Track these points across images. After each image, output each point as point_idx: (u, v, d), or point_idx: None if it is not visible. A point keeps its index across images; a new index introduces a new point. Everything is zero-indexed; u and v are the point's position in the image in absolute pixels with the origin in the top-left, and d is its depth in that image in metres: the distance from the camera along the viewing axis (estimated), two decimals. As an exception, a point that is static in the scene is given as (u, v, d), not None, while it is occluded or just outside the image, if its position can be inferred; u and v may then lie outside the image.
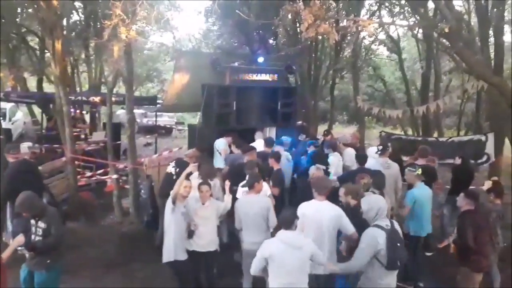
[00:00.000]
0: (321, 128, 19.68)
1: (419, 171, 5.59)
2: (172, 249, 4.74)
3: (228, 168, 6.90)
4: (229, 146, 7.93)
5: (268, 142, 7.48)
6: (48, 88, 17.16)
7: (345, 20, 5.90)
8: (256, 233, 4.80)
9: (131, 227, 7.82)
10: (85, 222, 7.92)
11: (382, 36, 18.36)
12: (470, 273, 4.63)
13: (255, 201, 4.92)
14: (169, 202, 4.76)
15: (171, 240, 4.75)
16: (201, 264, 5.15)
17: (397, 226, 3.89)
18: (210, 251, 5.06)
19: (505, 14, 10.98)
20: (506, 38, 15.38)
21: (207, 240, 5.02)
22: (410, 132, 17.30)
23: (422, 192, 5.55)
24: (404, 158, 8.12)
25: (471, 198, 4.74)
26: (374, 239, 3.69)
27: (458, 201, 4.89)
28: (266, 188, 5.52)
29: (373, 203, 3.88)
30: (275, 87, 10.13)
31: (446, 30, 4.85)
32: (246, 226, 4.89)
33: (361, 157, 6.31)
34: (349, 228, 4.28)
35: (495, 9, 8.71)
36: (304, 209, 4.38)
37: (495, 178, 5.80)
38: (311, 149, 7.77)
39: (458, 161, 6.87)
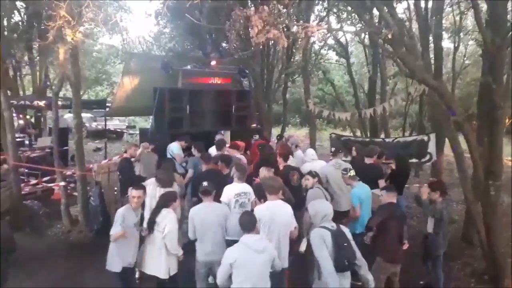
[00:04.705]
0: (275, 131, 19.98)
1: (351, 173, 5.93)
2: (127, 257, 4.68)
3: (193, 173, 6.76)
4: (186, 149, 7.83)
5: (219, 145, 7.47)
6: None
7: (295, 26, 6.03)
8: (212, 243, 4.65)
9: (80, 236, 7.56)
10: (30, 232, 7.55)
11: (331, 41, 18.90)
12: (383, 263, 4.84)
13: (212, 209, 4.77)
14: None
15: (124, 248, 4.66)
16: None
17: (344, 228, 4.00)
18: None
19: (443, 21, 11.67)
20: (445, 44, 16.41)
21: None
22: (358, 133, 17.93)
23: (361, 191, 5.84)
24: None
25: (392, 192, 5.06)
26: (322, 238, 3.81)
27: (383, 197, 5.14)
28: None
29: (319, 208, 4.02)
30: (229, 90, 10.17)
31: (389, 36, 5.09)
32: (201, 236, 4.70)
33: (285, 156, 6.65)
34: (294, 222, 4.55)
35: (433, 17, 9.24)
36: (260, 213, 4.42)
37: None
38: None
39: (393, 165, 7.21)
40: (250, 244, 3.76)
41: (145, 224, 4.84)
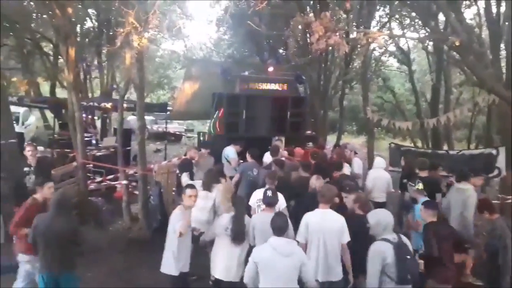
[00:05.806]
0: (330, 138, 19.69)
1: (419, 186, 5.61)
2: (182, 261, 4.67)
3: (239, 177, 6.82)
4: (240, 153, 7.94)
5: (273, 151, 7.51)
6: (60, 93, 17.42)
7: (355, 32, 5.93)
8: None
9: (139, 233, 7.83)
10: (94, 227, 7.99)
11: (392, 47, 18.37)
12: (436, 285, 4.55)
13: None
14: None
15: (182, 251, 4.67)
16: None
17: (405, 239, 3.87)
18: None
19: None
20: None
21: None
22: (419, 144, 17.19)
23: None
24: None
25: (432, 209, 4.74)
26: (381, 253, 3.70)
27: (421, 214, 4.88)
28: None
29: (381, 217, 3.89)
30: (284, 96, 10.18)
31: (457, 43, 4.85)
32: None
33: (338, 165, 6.78)
34: (346, 238, 4.35)
35: (506, 22, 8.68)
36: (308, 218, 4.40)
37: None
38: None
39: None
40: (276, 247, 3.72)
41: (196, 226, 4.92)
